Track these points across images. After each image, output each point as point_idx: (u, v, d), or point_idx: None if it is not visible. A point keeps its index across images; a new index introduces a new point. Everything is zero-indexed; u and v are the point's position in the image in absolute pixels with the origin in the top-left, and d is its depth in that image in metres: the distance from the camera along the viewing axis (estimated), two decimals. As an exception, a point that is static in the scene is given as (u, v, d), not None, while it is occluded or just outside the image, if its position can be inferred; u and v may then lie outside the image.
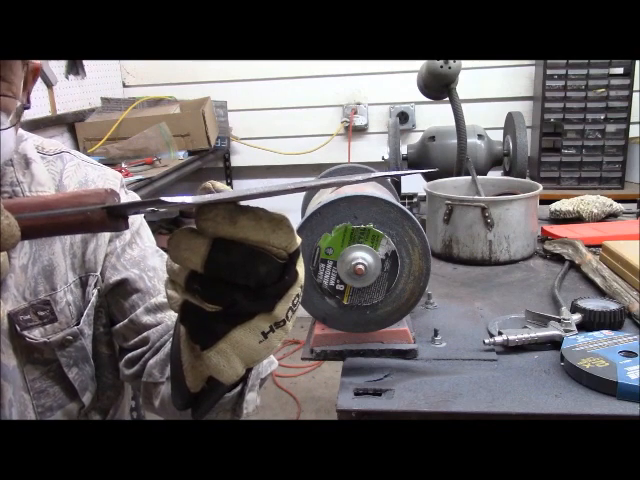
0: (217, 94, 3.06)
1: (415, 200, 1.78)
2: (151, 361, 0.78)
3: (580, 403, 0.75)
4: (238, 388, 0.67)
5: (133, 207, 0.46)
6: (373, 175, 0.48)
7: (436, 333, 0.94)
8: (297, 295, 0.48)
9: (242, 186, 3.38)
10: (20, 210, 0.44)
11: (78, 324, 0.78)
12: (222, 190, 0.47)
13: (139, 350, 0.80)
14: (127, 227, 0.46)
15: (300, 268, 0.48)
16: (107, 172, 0.86)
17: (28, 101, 0.72)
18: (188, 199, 0.41)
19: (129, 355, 0.80)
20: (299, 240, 0.47)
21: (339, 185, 0.48)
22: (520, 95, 3.01)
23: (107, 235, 0.81)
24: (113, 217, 0.44)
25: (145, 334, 0.79)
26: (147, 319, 0.79)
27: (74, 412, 0.80)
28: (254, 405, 0.71)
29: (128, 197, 0.87)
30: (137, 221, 0.85)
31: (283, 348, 3.18)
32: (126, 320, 0.80)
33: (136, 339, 0.80)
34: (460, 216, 1.30)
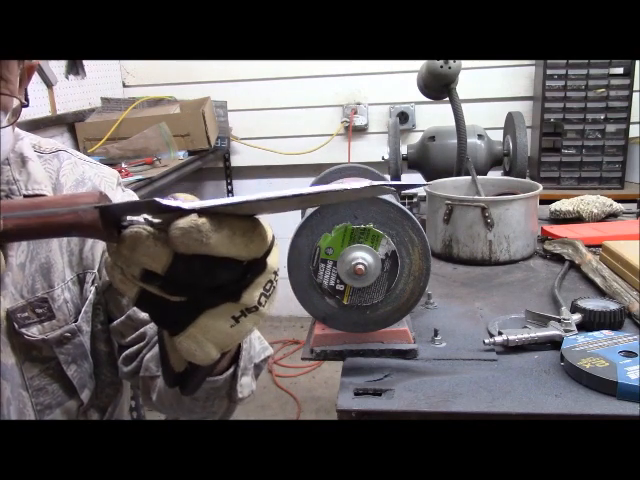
0: (217, 94, 3.05)
1: (415, 200, 1.78)
2: (148, 355, 0.78)
3: (580, 403, 0.75)
4: (230, 370, 0.68)
5: (126, 208, 0.45)
6: (364, 185, 0.44)
7: (436, 333, 0.94)
8: (269, 281, 0.47)
9: (242, 186, 3.37)
10: (10, 210, 0.43)
11: (76, 321, 0.78)
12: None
13: (136, 347, 0.80)
14: (117, 240, 0.44)
15: (271, 258, 0.47)
16: (104, 170, 0.86)
17: (26, 99, 0.72)
18: (185, 204, 0.40)
19: (127, 352, 0.81)
20: (270, 239, 0.46)
21: (324, 197, 0.46)
22: (520, 95, 3.01)
23: None
24: (105, 220, 0.43)
25: (142, 330, 0.80)
26: (144, 315, 0.79)
27: (73, 410, 0.80)
28: (249, 389, 0.72)
29: (125, 195, 0.87)
30: (150, 199, 0.85)
31: (283, 348, 3.18)
32: (123, 317, 0.80)
33: (133, 335, 0.80)
34: (460, 216, 1.30)
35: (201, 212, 0.42)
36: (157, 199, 0.39)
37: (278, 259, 0.49)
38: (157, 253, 0.42)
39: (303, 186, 1.39)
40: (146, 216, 0.44)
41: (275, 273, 0.48)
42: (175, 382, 0.55)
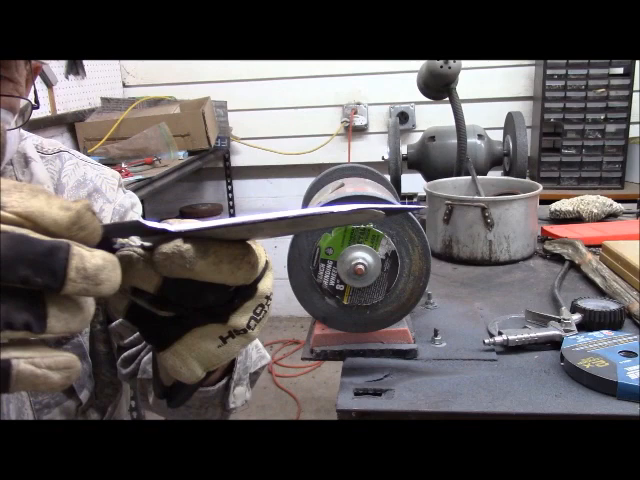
0: (217, 94, 3.06)
1: (415, 200, 1.78)
2: (145, 357, 0.78)
3: (580, 403, 0.75)
4: (223, 382, 0.67)
5: (112, 230, 0.43)
6: (355, 208, 0.42)
7: (436, 333, 0.94)
8: (260, 305, 0.47)
9: (242, 186, 3.38)
10: None
11: None
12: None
13: (135, 349, 0.80)
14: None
15: (262, 283, 0.47)
16: (105, 171, 0.87)
17: (36, 101, 0.73)
18: (171, 227, 0.39)
19: (125, 354, 0.80)
20: (262, 267, 0.45)
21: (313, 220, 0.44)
22: (520, 95, 3.01)
23: None
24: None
25: None
26: None
27: (71, 409, 0.80)
28: (243, 399, 0.71)
29: (126, 196, 0.87)
30: (134, 220, 0.85)
31: (283, 348, 3.18)
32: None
33: (132, 337, 0.80)
34: (460, 216, 1.30)
35: (188, 236, 0.41)
36: (141, 220, 0.39)
37: (272, 284, 0.48)
38: (148, 275, 0.42)
39: (303, 187, 1.38)
40: (137, 239, 0.43)
41: (267, 298, 0.47)
42: (163, 395, 0.55)
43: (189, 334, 0.46)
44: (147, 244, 0.43)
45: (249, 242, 0.44)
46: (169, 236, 0.41)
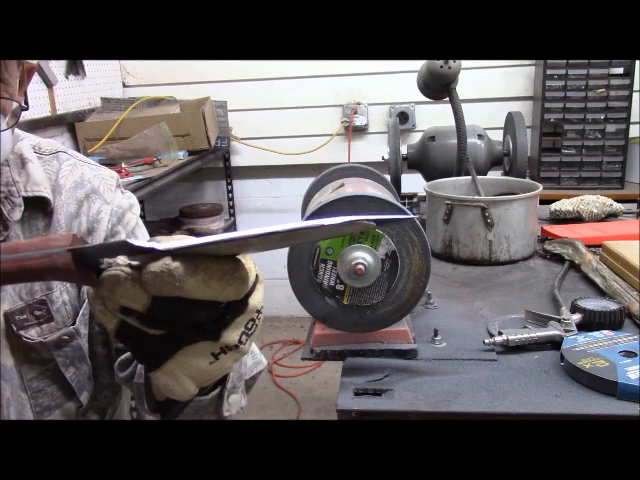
0: (217, 94, 3.06)
1: (415, 200, 1.78)
2: None
3: (580, 403, 0.75)
4: (217, 390, 0.67)
5: (100, 250, 0.44)
6: (343, 221, 0.42)
7: (436, 333, 0.94)
8: (251, 320, 0.47)
9: (242, 186, 3.37)
10: None
11: (74, 324, 0.78)
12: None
13: None
14: (96, 282, 0.43)
15: (253, 298, 0.47)
16: (104, 172, 0.86)
17: (26, 102, 0.72)
18: (159, 246, 0.39)
19: (122, 357, 0.80)
20: (251, 280, 0.45)
21: (303, 233, 0.44)
22: (520, 95, 3.01)
23: (102, 235, 0.81)
24: (79, 263, 0.41)
25: None
26: None
27: (72, 412, 0.80)
28: (238, 407, 0.71)
29: (124, 197, 0.87)
30: (132, 221, 0.85)
31: (283, 348, 3.18)
32: None
33: None
34: (460, 216, 1.30)
35: (177, 254, 0.41)
36: (129, 241, 0.39)
37: (262, 298, 0.48)
38: (136, 294, 0.41)
39: (303, 187, 1.39)
40: (124, 258, 0.43)
41: (258, 312, 0.47)
42: (156, 410, 0.55)
43: (180, 352, 0.45)
44: (135, 263, 0.43)
45: (239, 257, 0.44)
46: (157, 254, 0.41)
